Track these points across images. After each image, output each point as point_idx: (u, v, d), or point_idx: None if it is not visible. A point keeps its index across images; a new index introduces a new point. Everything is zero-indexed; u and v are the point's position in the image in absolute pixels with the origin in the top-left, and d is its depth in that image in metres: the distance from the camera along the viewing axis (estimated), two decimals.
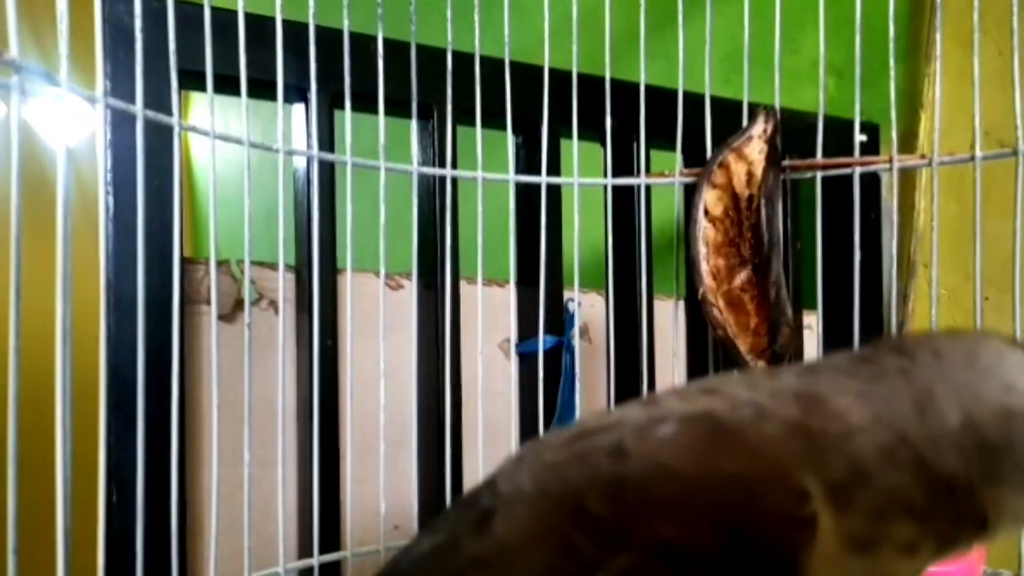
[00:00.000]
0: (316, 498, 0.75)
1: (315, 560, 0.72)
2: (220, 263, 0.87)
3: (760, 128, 0.76)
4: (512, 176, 0.81)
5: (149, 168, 0.64)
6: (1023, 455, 0.35)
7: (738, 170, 0.75)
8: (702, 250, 0.74)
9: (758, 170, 0.74)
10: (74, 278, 0.49)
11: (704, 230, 0.75)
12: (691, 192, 0.78)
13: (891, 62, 0.78)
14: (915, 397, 0.35)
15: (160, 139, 0.65)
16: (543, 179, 0.82)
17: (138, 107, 0.59)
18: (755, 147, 0.75)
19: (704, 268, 0.74)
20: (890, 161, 0.76)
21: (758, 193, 0.73)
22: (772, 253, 0.72)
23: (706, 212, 0.75)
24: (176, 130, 0.62)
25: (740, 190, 0.75)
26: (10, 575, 0.44)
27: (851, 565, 0.34)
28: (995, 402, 0.35)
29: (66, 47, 0.51)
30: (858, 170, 0.77)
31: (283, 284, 0.70)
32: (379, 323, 0.75)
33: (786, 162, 0.80)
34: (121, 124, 0.70)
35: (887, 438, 0.34)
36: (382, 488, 0.74)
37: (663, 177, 0.84)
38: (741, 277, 0.74)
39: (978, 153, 0.74)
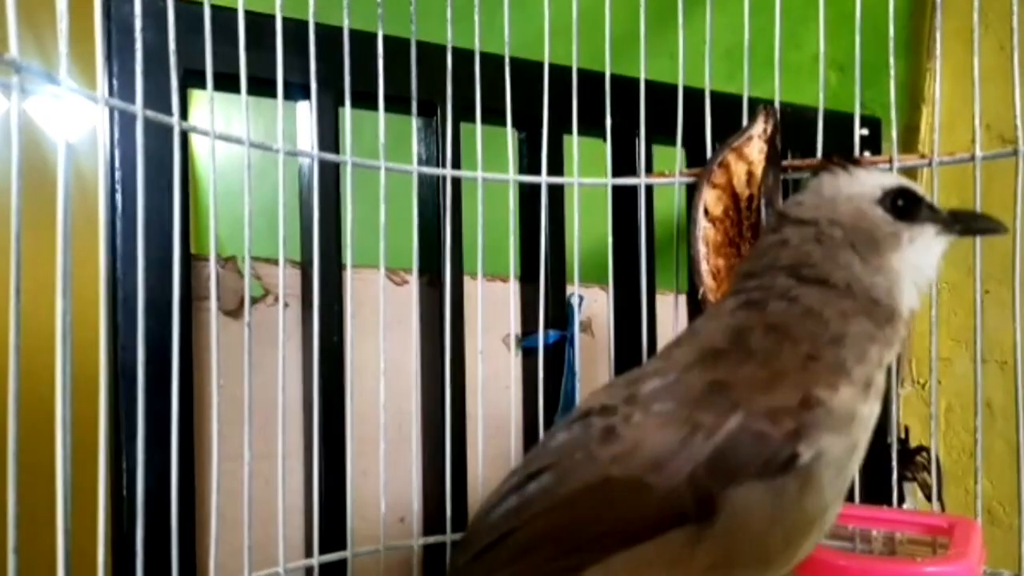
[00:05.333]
0: (317, 496, 0.75)
1: (315, 560, 0.73)
2: (226, 259, 0.87)
3: (760, 128, 0.75)
4: (512, 176, 0.81)
5: (153, 166, 0.64)
6: (882, 227, 0.50)
7: (738, 170, 0.75)
8: (702, 250, 0.74)
9: (758, 170, 0.74)
10: (75, 276, 0.49)
11: (704, 230, 0.75)
12: (692, 191, 0.78)
13: (891, 58, 0.78)
14: (813, 232, 0.51)
15: (164, 137, 0.65)
16: (543, 179, 0.82)
17: (138, 107, 0.59)
18: (755, 147, 0.75)
19: (704, 268, 0.74)
20: (890, 161, 0.76)
21: (758, 193, 0.73)
22: None
23: (706, 212, 0.75)
24: (176, 129, 0.62)
25: (740, 190, 0.74)
26: (10, 574, 0.44)
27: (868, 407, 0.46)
28: (849, 206, 0.51)
29: (65, 46, 0.51)
30: None
31: (283, 281, 0.70)
32: (384, 319, 0.75)
33: (786, 162, 0.80)
34: (127, 122, 0.70)
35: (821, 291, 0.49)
36: (382, 487, 0.74)
37: (664, 177, 0.84)
38: None
39: (978, 153, 0.74)
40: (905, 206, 0.51)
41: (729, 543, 0.43)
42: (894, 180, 0.52)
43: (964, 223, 0.53)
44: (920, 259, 0.51)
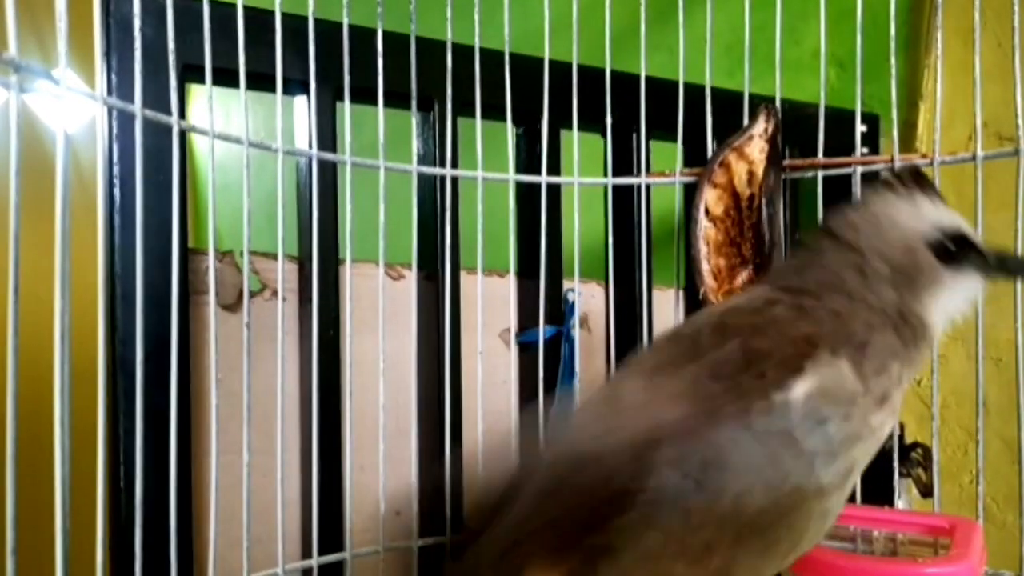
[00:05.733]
0: (316, 495, 0.75)
1: (314, 561, 0.73)
2: (224, 254, 0.87)
3: (761, 127, 0.75)
4: (512, 176, 0.81)
5: (152, 162, 0.64)
6: (926, 272, 0.50)
7: (739, 169, 0.75)
8: (703, 250, 0.74)
9: (759, 169, 0.74)
10: (73, 271, 0.49)
11: (705, 230, 0.75)
12: (692, 191, 0.78)
13: (892, 55, 0.78)
14: (854, 260, 0.50)
15: (163, 134, 0.65)
16: (543, 179, 0.82)
17: (137, 106, 0.59)
18: (756, 146, 0.75)
19: (705, 268, 0.74)
20: (891, 160, 0.76)
21: (759, 192, 0.73)
22: (773, 253, 0.72)
23: (707, 212, 0.75)
24: (175, 129, 0.61)
25: (741, 189, 0.74)
26: (9, 575, 0.44)
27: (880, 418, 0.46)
28: (900, 242, 0.50)
29: (64, 45, 0.50)
30: (859, 169, 0.77)
31: (281, 276, 0.70)
32: (380, 314, 0.75)
33: (787, 161, 0.80)
34: (126, 120, 0.70)
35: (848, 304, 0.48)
36: (382, 485, 0.74)
37: (664, 176, 0.84)
38: (742, 277, 0.74)
39: (979, 153, 0.74)
40: (956, 252, 0.50)
41: (715, 508, 0.42)
42: (952, 221, 0.51)
43: (1008, 270, 0.53)
44: (957, 299, 0.51)
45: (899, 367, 0.47)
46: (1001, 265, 0.52)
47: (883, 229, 0.50)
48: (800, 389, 0.43)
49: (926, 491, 0.92)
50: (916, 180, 0.52)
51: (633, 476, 0.42)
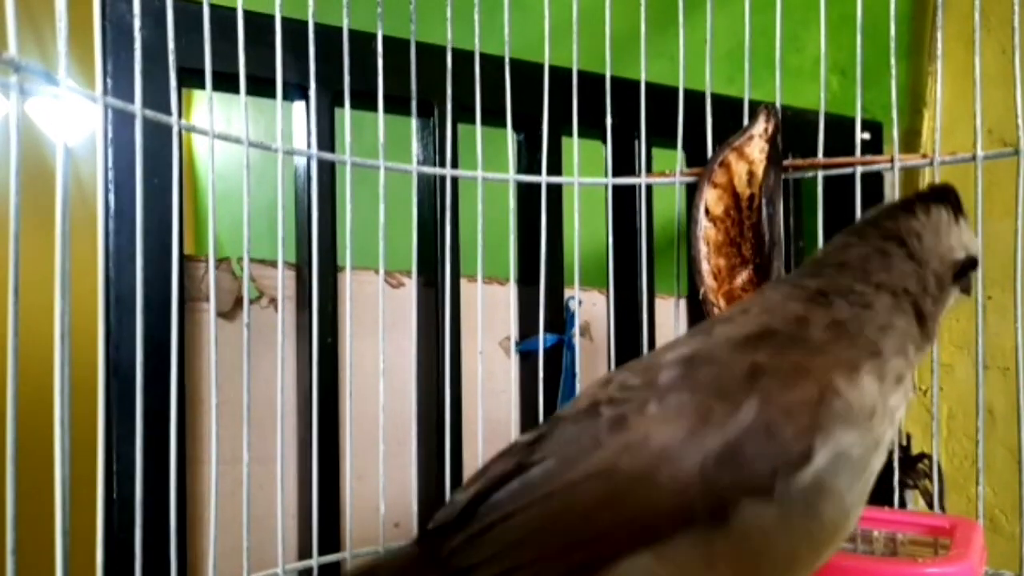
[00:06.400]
0: (315, 497, 0.75)
1: (314, 561, 0.72)
2: (221, 260, 0.87)
3: (761, 127, 0.75)
4: (512, 176, 0.81)
5: (150, 166, 0.64)
6: (948, 288, 0.53)
7: (739, 169, 0.75)
8: (703, 250, 0.74)
9: (759, 169, 0.74)
10: (73, 275, 0.48)
11: (705, 230, 0.74)
12: (692, 191, 0.78)
13: (892, 61, 0.78)
14: (914, 268, 0.52)
15: (161, 137, 0.65)
16: (543, 179, 0.82)
17: (136, 106, 0.59)
18: (756, 146, 0.75)
19: (705, 268, 0.74)
20: (891, 161, 0.76)
21: (759, 193, 0.73)
22: (773, 253, 0.71)
23: (707, 212, 0.75)
24: (175, 129, 0.61)
25: (741, 189, 0.74)
26: (9, 575, 0.44)
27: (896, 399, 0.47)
28: (948, 259, 0.53)
29: (64, 46, 0.51)
30: (859, 169, 0.77)
31: (282, 282, 0.70)
32: (382, 321, 0.75)
33: (787, 161, 0.79)
34: (123, 122, 0.70)
35: (892, 298, 0.50)
36: (382, 488, 0.74)
37: (664, 177, 0.83)
38: (742, 277, 0.73)
39: (979, 153, 0.74)
40: (964, 271, 0.54)
41: (747, 555, 0.42)
42: (976, 246, 0.55)
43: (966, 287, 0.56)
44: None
45: (914, 351, 0.49)
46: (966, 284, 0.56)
47: (939, 244, 0.53)
48: (828, 448, 0.42)
49: (932, 502, 0.91)
50: (957, 200, 0.55)
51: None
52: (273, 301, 0.88)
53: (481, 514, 0.45)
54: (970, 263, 0.54)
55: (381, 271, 0.75)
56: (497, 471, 0.46)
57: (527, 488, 0.45)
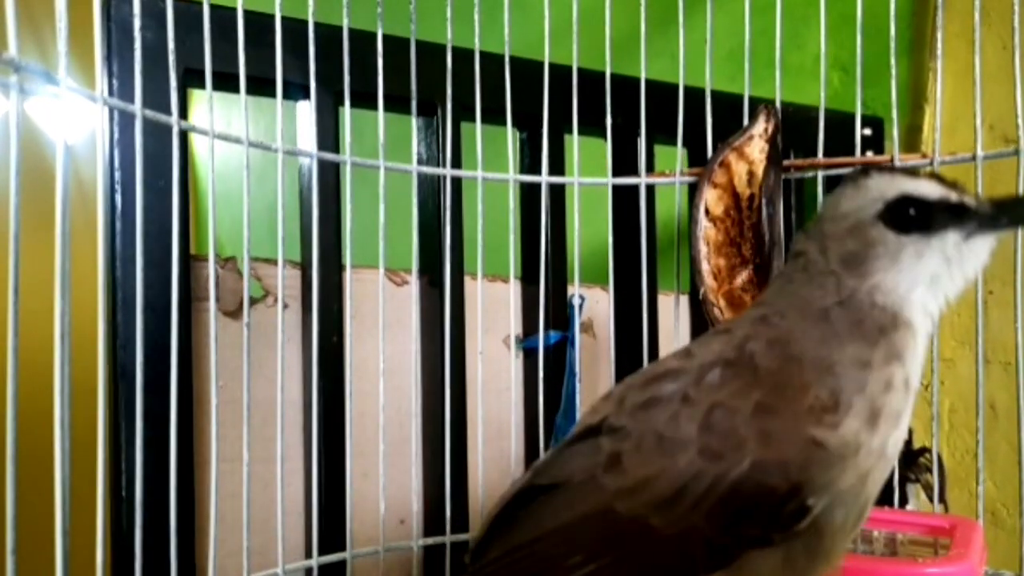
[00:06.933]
0: (316, 497, 0.75)
1: (314, 561, 0.73)
2: (227, 260, 0.87)
3: (761, 127, 0.75)
4: (512, 176, 0.81)
5: (153, 166, 0.64)
6: (879, 247, 0.46)
7: (739, 169, 0.75)
8: (703, 250, 0.74)
9: (759, 169, 0.74)
10: (73, 276, 0.48)
11: (705, 230, 0.74)
12: (693, 191, 0.78)
13: (892, 58, 0.78)
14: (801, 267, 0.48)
15: (163, 137, 0.65)
16: (544, 178, 0.82)
17: (137, 106, 0.59)
18: (756, 146, 0.75)
19: (705, 268, 0.74)
20: (891, 160, 0.76)
21: (759, 192, 0.73)
22: (773, 253, 0.71)
23: (707, 212, 0.75)
24: (175, 129, 0.61)
25: (741, 189, 0.74)
26: (9, 575, 0.44)
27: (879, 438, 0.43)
28: (844, 228, 0.47)
29: (64, 46, 0.50)
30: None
31: (281, 281, 0.70)
32: (384, 320, 0.75)
33: (787, 161, 0.79)
34: (127, 122, 0.70)
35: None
36: (381, 488, 0.74)
37: (664, 176, 0.83)
38: (742, 277, 0.73)
39: (979, 153, 0.74)
40: (916, 216, 0.46)
41: None
42: (897, 188, 0.47)
43: (1006, 218, 0.47)
44: (939, 268, 0.46)
45: (878, 375, 0.44)
46: (1000, 210, 0.46)
47: (830, 221, 0.48)
48: (821, 500, 0.42)
49: (933, 497, 0.91)
50: (868, 169, 0.49)
51: None
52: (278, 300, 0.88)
53: (492, 538, 0.48)
54: (902, 204, 0.46)
55: (381, 271, 0.75)
56: (512, 493, 0.48)
57: (532, 522, 0.47)
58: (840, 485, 0.42)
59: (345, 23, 0.72)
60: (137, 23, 0.61)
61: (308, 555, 0.74)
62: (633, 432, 0.45)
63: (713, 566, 0.42)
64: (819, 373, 0.43)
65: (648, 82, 0.82)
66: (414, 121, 0.78)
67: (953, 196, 0.46)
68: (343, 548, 0.73)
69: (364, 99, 0.74)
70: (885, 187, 0.47)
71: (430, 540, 0.79)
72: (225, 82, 0.68)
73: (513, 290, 0.86)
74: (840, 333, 0.45)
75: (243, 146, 0.67)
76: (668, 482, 0.43)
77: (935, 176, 0.49)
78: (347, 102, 0.72)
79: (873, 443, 0.43)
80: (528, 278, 0.97)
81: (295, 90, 0.78)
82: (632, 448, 0.44)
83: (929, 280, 0.46)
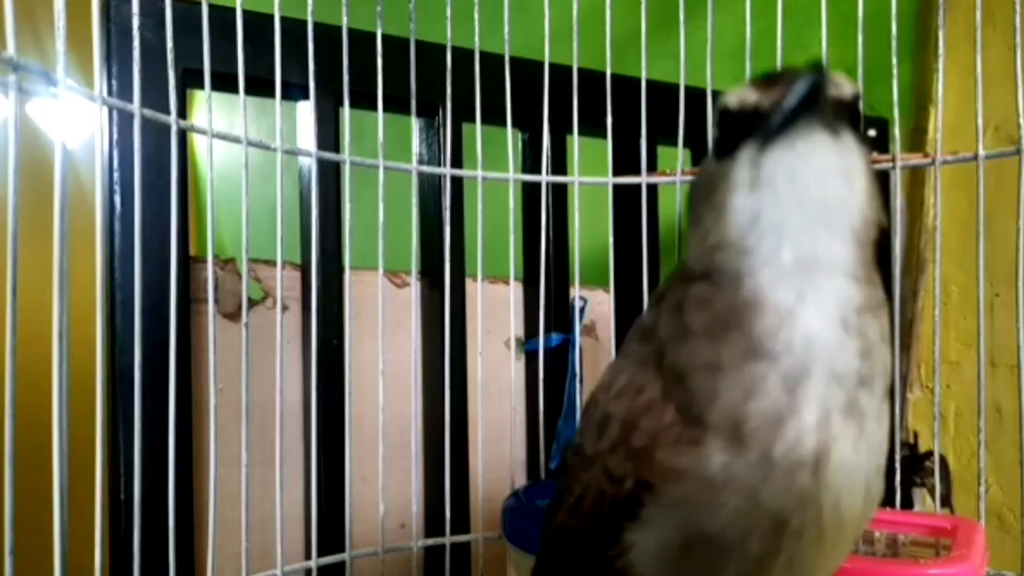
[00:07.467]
0: (315, 498, 0.75)
1: (313, 563, 0.72)
2: (227, 261, 0.87)
3: None
4: (512, 176, 0.81)
5: (152, 167, 0.64)
6: (711, 190, 0.37)
7: None
8: None
9: None
10: (72, 277, 0.48)
11: None
12: None
13: (894, 58, 0.77)
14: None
15: (162, 137, 0.65)
16: (544, 178, 0.82)
17: (135, 106, 0.59)
18: None
19: None
20: (893, 160, 0.75)
21: None
22: None
23: None
24: (174, 129, 0.61)
25: None
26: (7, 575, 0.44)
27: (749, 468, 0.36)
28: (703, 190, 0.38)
29: (63, 45, 0.50)
30: None
31: (280, 282, 0.69)
32: (384, 321, 0.75)
33: None
34: (126, 122, 0.70)
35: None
36: (381, 489, 0.73)
37: (665, 176, 0.83)
38: None
39: (981, 152, 0.73)
40: (729, 134, 0.36)
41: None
42: (719, 106, 0.38)
43: (793, 97, 0.34)
44: (756, 202, 0.35)
45: (733, 377, 0.35)
46: (777, 106, 0.34)
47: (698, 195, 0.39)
48: (643, 535, 0.38)
49: (942, 501, 0.90)
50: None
51: None
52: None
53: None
54: (720, 123, 0.37)
55: (381, 272, 0.75)
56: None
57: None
58: (705, 510, 0.35)
59: (344, 23, 0.72)
60: (136, 23, 0.61)
61: (307, 557, 0.74)
62: (580, 460, 0.44)
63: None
64: (676, 383, 0.37)
65: (649, 82, 0.81)
66: (414, 122, 0.78)
67: (750, 98, 0.36)
68: (342, 549, 0.73)
69: (364, 99, 0.74)
70: (729, 98, 0.38)
71: (430, 541, 0.79)
72: (224, 82, 0.68)
73: (514, 292, 0.86)
74: (691, 326, 0.37)
75: (242, 146, 0.67)
76: (578, 488, 0.42)
77: (763, 79, 0.37)
78: (347, 102, 0.72)
79: (749, 457, 0.35)
80: (529, 280, 0.97)
81: (295, 90, 0.78)
82: (573, 467, 0.44)
83: (750, 220, 0.35)
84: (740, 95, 0.37)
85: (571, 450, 0.45)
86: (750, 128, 0.35)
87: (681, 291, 0.38)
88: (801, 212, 0.35)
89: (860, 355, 0.36)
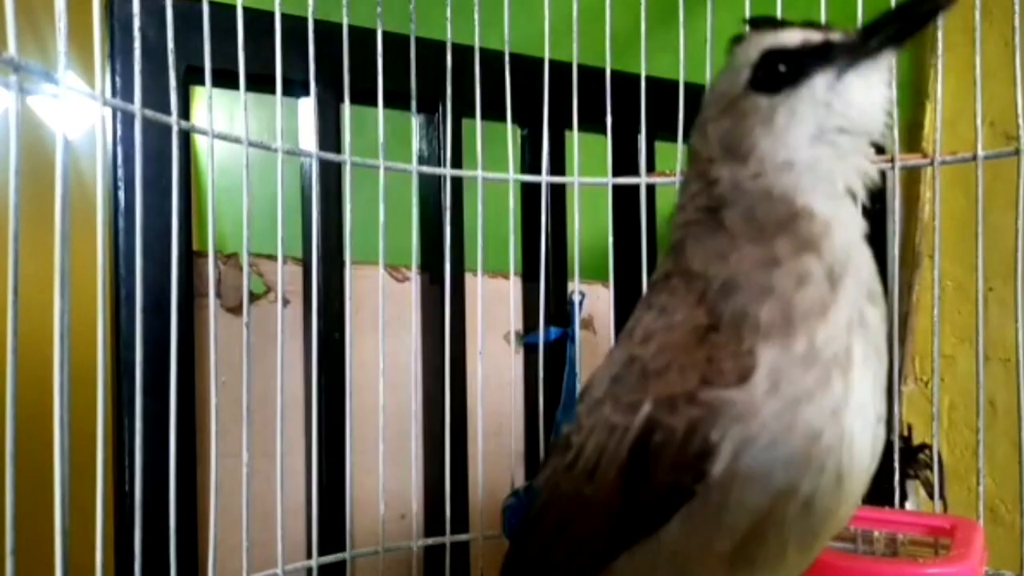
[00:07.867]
0: (316, 494, 0.75)
1: (314, 562, 0.73)
2: (229, 256, 0.87)
3: None
4: (512, 175, 0.81)
5: (154, 164, 0.64)
6: (752, 118, 0.42)
7: None
8: None
9: None
10: (74, 273, 0.48)
11: None
12: None
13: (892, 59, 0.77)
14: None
15: (164, 135, 0.65)
16: (544, 178, 0.82)
17: (136, 105, 0.59)
18: None
19: None
20: (892, 160, 0.75)
21: None
22: None
23: None
24: (175, 128, 0.62)
25: None
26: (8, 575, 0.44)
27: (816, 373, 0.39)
28: (719, 109, 0.44)
29: (64, 45, 0.51)
30: None
31: (281, 277, 0.70)
32: (385, 316, 0.75)
33: None
34: (128, 120, 0.70)
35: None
36: (381, 486, 0.74)
37: (664, 176, 0.83)
38: None
39: (979, 153, 0.73)
40: (786, 71, 0.40)
41: (684, 560, 0.40)
42: (759, 47, 0.41)
43: (881, 34, 0.40)
44: (821, 120, 0.40)
45: (793, 280, 0.39)
46: (865, 40, 0.40)
47: (709, 107, 0.43)
48: (730, 440, 0.38)
49: (933, 493, 0.91)
50: (740, 36, 0.43)
51: None
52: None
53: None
54: (770, 61, 0.41)
55: (381, 269, 0.75)
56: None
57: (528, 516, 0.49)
58: (760, 436, 0.37)
59: (345, 20, 0.72)
60: (137, 22, 0.61)
61: (308, 554, 0.74)
62: (582, 408, 0.45)
63: (643, 530, 0.40)
64: (721, 295, 0.39)
65: (649, 79, 0.81)
66: (414, 118, 0.78)
67: (815, 37, 0.41)
68: (343, 548, 0.73)
69: (364, 96, 0.74)
70: (751, 50, 0.42)
71: (430, 540, 0.79)
72: (226, 79, 0.68)
73: (513, 286, 0.86)
74: (737, 237, 0.40)
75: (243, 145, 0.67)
76: (593, 447, 0.42)
77: (801, 23, 0.43)
78: (347, 99, 0.72)
79: (796, 348, 0.38)
80: (528, 275, 0.97)
81: (295, 87, 0.78)
82: (577, 423, 0.45)
83: (811, 138, 0.41)
84: (795, 35, 0.41)
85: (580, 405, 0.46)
86: (814, 61, 0.40)
87: (709, 219, 0.41)
88: (853, 132, 0.41)
89: (871, 269, 0.41)
